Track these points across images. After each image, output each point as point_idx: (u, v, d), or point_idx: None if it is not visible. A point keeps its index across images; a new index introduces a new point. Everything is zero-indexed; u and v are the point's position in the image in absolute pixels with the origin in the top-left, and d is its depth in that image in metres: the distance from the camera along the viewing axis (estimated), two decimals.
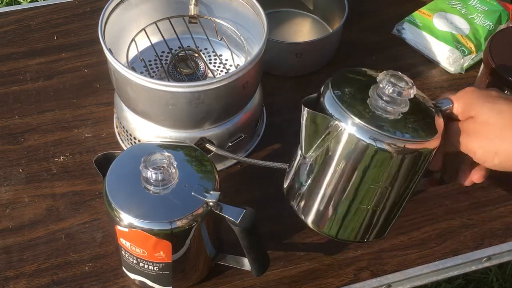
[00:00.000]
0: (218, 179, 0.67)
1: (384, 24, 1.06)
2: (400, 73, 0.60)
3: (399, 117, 0.59)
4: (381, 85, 0.59)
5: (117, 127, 0.88)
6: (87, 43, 1.00)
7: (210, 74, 0.86)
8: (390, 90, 0.58)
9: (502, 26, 1.05)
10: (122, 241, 0.66)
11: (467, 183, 0.66)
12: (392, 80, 0.58)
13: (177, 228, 0.63)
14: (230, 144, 0.82)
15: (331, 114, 0.59)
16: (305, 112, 0.61)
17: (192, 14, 0.87)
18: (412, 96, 0.59)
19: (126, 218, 0.63)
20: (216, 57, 0.89)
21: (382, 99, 0.58)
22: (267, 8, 0.85)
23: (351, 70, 0.66)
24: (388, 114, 0.59)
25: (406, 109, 0.59)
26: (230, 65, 0.88)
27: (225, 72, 0.86)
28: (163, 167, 0.63)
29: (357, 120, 0.58)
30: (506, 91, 0.83)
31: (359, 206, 0.62)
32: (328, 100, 0.60)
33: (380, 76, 0.59)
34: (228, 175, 0.84)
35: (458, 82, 0.98)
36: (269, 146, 0.88)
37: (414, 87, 0.59)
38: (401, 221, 0.81)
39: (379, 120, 0.58)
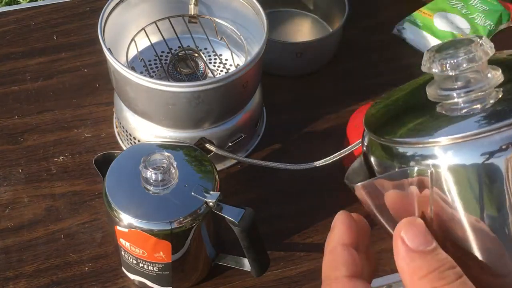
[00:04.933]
0: (218, 179, 0.67)
1: (384, 24, 1.06)
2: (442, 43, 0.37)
3: (499, 95, 0.35)
4: (435, 70, 0.35)
5: (116, 127, 0.88)
6: (87, 43, 1.00)
7: (210, 74, 0.86)
8: (455, 65, 0.35)
9: (503, 26, 1.05)
10: (122, 241, 0.66)
11: None
12: (443, 54, 0.35)
13: (176, 228, 0.63)
14: (230, 144, 0.82)
15: (403, 162, 0.35)
16: (363, 191, 0.39)
17: (192, 13, 0.87)
18: (490, 52, 0.35)
19: (125, 219, 0.63)
20: (216, 57, 0.88)
21: (454, 88, 0.35)
22: (267, 8, 0.84)
23: (375, 105, 0.42)
24: (479, 102, 0.34)
25: (499, 78, 0.35)
26: (230, 65, 0.88)
27: (225, 72, 0.86)
28: (163, 167, 0.62)
29: (447, 138, 0.33)
30: None
31: None
32: (380, 150, 0.37)
33: (426, 61, 0.36)
34: (228, 175, 0.84)
35: None
36: (269, 146, 0.88)
37: (484, 38, 0.35)
38: None
39: (473, 118, 0.34)
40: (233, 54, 0.87)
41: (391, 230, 0.38)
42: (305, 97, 0.95)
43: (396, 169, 0.36)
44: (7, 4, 1.90)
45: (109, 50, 0.74)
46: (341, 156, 0.65)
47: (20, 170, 0.83)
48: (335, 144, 0.81)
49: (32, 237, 0.77)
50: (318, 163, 0.70)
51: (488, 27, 1.02)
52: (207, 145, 0.79)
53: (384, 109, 0.40)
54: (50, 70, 0.96)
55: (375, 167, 0.38)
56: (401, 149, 0.36)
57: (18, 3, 1.89)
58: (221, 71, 0.87)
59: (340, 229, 0.40)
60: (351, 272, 0.39)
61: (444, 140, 0.33)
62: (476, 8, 1.04)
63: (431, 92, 0.37)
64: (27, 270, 0.74)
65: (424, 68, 0.36)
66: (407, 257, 0.34)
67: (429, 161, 0.34)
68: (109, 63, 0.75)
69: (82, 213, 0.79)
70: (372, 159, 0.38)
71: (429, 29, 1.01)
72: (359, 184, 0.38)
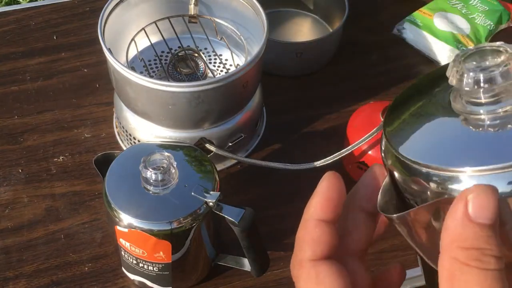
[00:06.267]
0: (218, 179, 0.67)
1: (384, 24, 1.06)
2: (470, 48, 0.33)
3: None
4: (467, 88, 0.32)
5: (116, 127, 0.88)
6: (87, 42, 1.00)
7: (210, 74, 0.86)
8: (489, 79, 0.31)
9: (503, 26, 1.05)
10: (122, 241, 0.66)
11: None
12: (471, 64, 0.32)
13: (176, 228, 0.63)
14: (230, 144, 0.82)
15: (434, 188, 0.32)
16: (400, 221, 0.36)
17: (192, 13, 0.87)
18: None
19: (125, 219, 0.63)
20: (216, 57, 0.88)
21: (482, 103, 0.32)
22: (267, 8, 0.84)
23: (392, 108, 0.38)
24: (508, 120, 0.31)
25: None
26: (230, 65, 0.87)
27: (225, 72, 0.86)
28: (163, 167, 0.62)
29: (473, 169, 0.31)
30: None
31: None
32: (406, 174, 0.34)
33: (454, 74, 0.32)
34: (228, 175, 0.84)
35: None
36: (269, 146, 0.88)
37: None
38: None
39: (501, 145, 0.31)
40: (233, 54, 0.87)
41: (430, 262, 0.36)
42: (305, 97, 0.95)
43: (428, 197, 0.33)
44: (7, 4, 1.90)
45: (109, 50, 0.74)
46: (341, 156, 0.65)
47: (20, 170, 0.83)
48: (335, 144, 0.82)
49: (32, 237, 0.77)
50: (318, 163, 0.71)
51: (488, 27, 1.02)
52: (207, 145, 0.79)
53: (404, 123, 0.37)
54: (50, 70, 0.96)
55: (404, 191, 0.36)
56: (431, 173, 0.33)
57: (18, 3, 1.89)
58: (221, 71, 0.87)
59: (318, 200, 0.36)
60: (317, 254, 0.35)
61: (469, 171, 0.31)
62: (476, 8, 1.04)
63: (456, 105, 0.34)
64: (27, 270, 0.74)
65: (452, 82, 0.33)
66: (459, 222, 0.30)
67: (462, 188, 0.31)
68: (109, 63, 0.75)
69: (82, 213, 0.79)
70: (398, 179, 0.36)
71: (429, 29, 1.01)
72: (394, 216, 0.35)
